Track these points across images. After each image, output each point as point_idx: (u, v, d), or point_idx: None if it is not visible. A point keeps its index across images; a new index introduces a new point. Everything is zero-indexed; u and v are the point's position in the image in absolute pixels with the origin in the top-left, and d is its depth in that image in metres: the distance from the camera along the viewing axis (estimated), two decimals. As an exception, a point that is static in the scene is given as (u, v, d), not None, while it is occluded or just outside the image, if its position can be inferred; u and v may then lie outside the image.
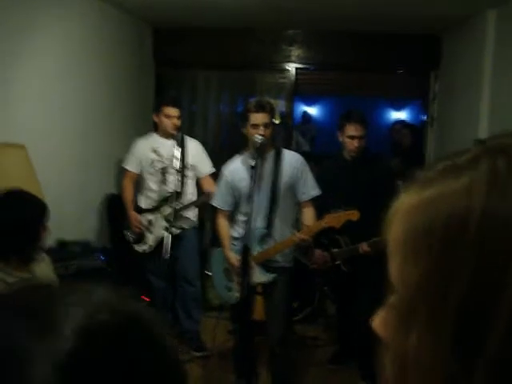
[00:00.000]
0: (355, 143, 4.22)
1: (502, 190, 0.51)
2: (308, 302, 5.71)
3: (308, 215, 3.88)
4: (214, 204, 4.11)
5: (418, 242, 0.55)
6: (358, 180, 4.29)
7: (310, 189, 3.89)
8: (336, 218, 3.63)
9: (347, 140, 4.25)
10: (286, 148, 4.07)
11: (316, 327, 5.53)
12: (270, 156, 3.86)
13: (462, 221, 0.52)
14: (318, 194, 3.91)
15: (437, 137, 6.33)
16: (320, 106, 11.09)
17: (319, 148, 9.07)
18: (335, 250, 4.31)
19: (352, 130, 4.22)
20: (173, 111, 4.69)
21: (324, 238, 4.27)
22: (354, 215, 3.61)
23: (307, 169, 3.93)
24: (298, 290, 5.50)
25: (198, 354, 4.78)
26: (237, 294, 3.87)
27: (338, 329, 4.90)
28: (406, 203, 0.59)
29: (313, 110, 11.06)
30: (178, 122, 4.72)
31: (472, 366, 0.50)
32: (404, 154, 6.69)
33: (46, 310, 0.61)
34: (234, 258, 3.85)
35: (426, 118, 6.70)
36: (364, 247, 4.06)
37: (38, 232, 2.90)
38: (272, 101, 6.50)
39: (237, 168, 3.91)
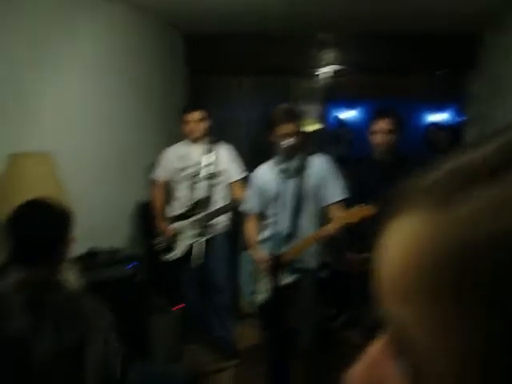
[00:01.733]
0: (382, 138, 4.13)
1: None
2: (346, 307, 5.62)
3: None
4: (242, 208, 4.13)
5: (454, 285, 0.37)
6: (391, 181, 4.18)
7: (337, 191, 3.84)
8: (352, 214, 3.56)
9: (375, 135, 4.16)
10: (319, 152, 4.02)
11: (356, 333, 5.41)
12: (299, 158, 3.84)
13: None
14: (344, 196, 3.84)
15: (476, 138, 6.16)
16: (355, 109, 10.97)
17: (357, 152, 8.96)
18: (368, 252, 4.21)
19: (379, 123, 4.14)
20: (192, 116, 4.69)
21: (357, 239, 4.18)
22: (368, 210, 3.50)
23: (335, 171, 3.89)
24: (334, 296, 5.42)
25: (230, 362, 4.73)
26: (261, 297, 3.86)
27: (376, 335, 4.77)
28: (413, 229, 0.41)
29: (348, 115, 10.95)
30: (197, 126, 4.70)
31: None
32: (440, 157, 6.54)
33: None
34: (261, 255, 3.84)
35: (464, 118, 6.54)
36: None
37: (62, 241, 2.88)
38: (305, 106, 6.48)
39: (265, 171, 3.93)
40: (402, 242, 0.42)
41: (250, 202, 4.03)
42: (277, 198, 3.73)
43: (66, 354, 2.35)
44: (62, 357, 2.33)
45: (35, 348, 2.31)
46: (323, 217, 3.93)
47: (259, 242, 3.95)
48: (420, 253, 0.40)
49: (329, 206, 3.85)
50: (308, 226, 3.83)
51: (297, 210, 3.79)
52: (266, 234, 3.88)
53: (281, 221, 3.77)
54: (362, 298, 5.23)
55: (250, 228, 4.04)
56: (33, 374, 2.30)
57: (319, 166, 3.84)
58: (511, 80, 5.20)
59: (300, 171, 3.79)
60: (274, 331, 3.99)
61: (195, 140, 4.74)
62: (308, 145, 4.05)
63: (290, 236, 3.79)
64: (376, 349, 0.49)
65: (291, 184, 3.80)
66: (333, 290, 5.26)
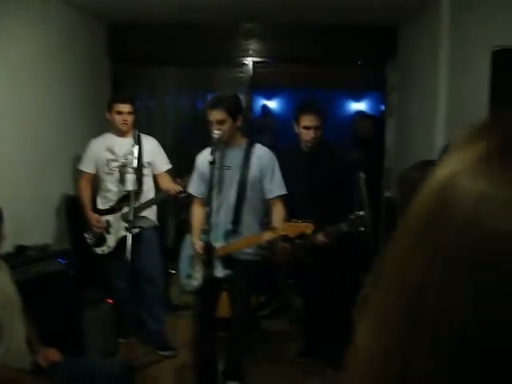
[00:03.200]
0: (311, 133, 4.25)
1: None
2: (274, 295, 5.71)
3: (276, 216, 3.86)
4: (189, 191, 4.13)
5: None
6: (316, 172, 4.31)
7: (277, 187, 3.88)
8: (292, 228, 3.64)
9: (303, 131, 4.27)
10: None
11: (282, 321, 5.52)
12: (239, 149, 3.86)
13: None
14: (283, 193, 3.89)
15: (396, 127, 6.37)
16: (280, 99, 11.07)
17: (281, 142, 9.05)
18: (297, 242, 4.32)
19: (307, 120, 4.25)
20: (123, 107, 4.64)
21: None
22: (308, 228, 3.62)
23: (276, 166, 3.91)
24: (263, 284, 5.49)
25: (164, 354, 4.74)
26: (195, 283, 3.89)
27: (306, 321, 4.90)
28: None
29: (273, 104, 11.02)
30: (128, 118, 4.66)
31: None
32: (365, 145, 6.72)
33: None
34: (200, 245, 3.83)
35: (385, 108, 6.72)
36: (320, 238, 4.10)
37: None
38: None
39: (206, 157, 3.84)
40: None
41: (194, 186, 4.04)
42: (218, 187, 3.76)
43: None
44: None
45: None
46: (264, 211, 3.98)
47: (202, 229, 3.95)
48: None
49: (270, 200, 3.89)
50: (250, 220, 3.87)
51: (239, 203, 3.82)
52: (208, 222, 3.79)
53: (222, 212, 3.81)
54: (291, 286, 5.37)
55: (194, 212, 4.04)
56: None
57: (261, 156, 3.87)
58: (422, 72, 5.39)
59: (242, 161, 3.82)
60: (203, 321, 4.02)
61: (124, 132, 4.70)
62: (242, 135, 4.05)
63: (231, 231, 3.82)
64: None
65: (232, 174, 3.82)
66: (262, 278, 5.34)
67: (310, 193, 4.26)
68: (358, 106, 10.47)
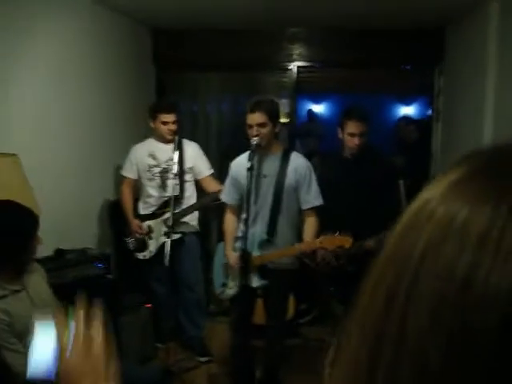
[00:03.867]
0: (356, 141, 4.14)
1: None
2: (315, 303, 5.64)
3: (309, 227, 3.80)
4: (222, 199, 4.08)
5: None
6: (359, 178, 4.22)
7: (313, 198, 3.80)
8: (330, 241, 3.59)
9: (347, 137, 4.17)
10: (291, 148, 3.99)
11: (323, 329, 5.44)
12: (276, 157, 3.79)
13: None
14: (320, 204, 3.82)
15: (443, 132, 6.21)
16: (327, 104, 10.97)
17: (327, 147, 8.96)
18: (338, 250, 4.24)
19: (352, 127, 4.14)
20: (168, 117, 4.64)
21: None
22: (347, 242, 3.58)
23: (313, 176, 3.83)
24: (304, 292, 5.44)
25: (202, 360, 4.73)
26: (230, 292, 3.84)
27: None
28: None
29: (319, 109, 10.92)
30: (174, 127, 4.66)
31: None
32: (410, 151, 6.58)
33: None
34: (233, 256, 3.79)
35: (432, 113, 6.57)
36: (369, 244, 3.98)
37: (29, 243, 2.86)
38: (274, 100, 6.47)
39: (242, 164, 3.80)
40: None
41: (227, 194, 3.98)
42: (255, 195, 3.69)
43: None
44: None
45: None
46: (299, 220, 3.91)
47: (236, 238, 3.90)
48: None
49: (304, 211, 3.83)
50: (285, 230, 3.80)
51: (275, 212, 3.75)
52: (243, 231, 3.70)
53: (258, 221, 3.74)
54: (331, 294, 5.30)
55: (227, 221, 3.99)
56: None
57: (297, 165, 3.79)
58: (470, 76, 5.25)
59: (279, 170, 3.75)
60: (240, 330, 3.98)
61: (168, 140, 4.70)
62: (279, 143, 3.99)
63: (266, 240, 3.76)
64: None
65: (268, 183, 3.74)
66: (303, 285, 5.29)
67: (353, 198, 4.17)
68: (406, 110, 10.29)
